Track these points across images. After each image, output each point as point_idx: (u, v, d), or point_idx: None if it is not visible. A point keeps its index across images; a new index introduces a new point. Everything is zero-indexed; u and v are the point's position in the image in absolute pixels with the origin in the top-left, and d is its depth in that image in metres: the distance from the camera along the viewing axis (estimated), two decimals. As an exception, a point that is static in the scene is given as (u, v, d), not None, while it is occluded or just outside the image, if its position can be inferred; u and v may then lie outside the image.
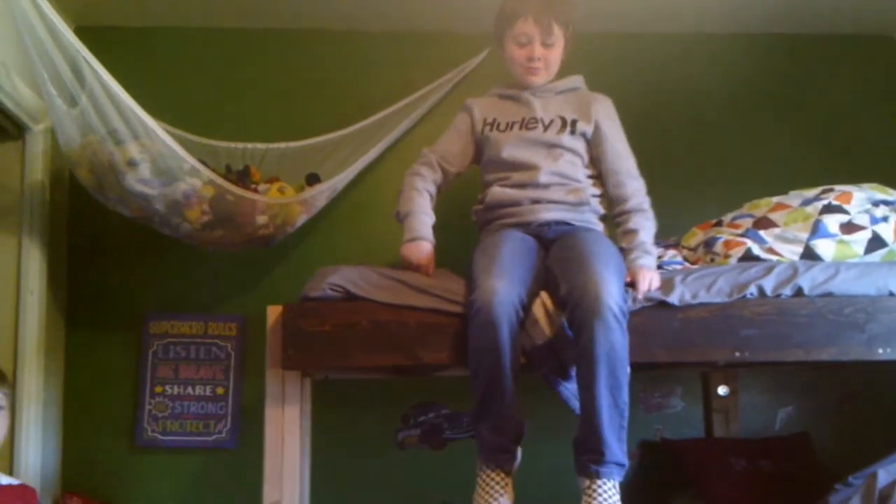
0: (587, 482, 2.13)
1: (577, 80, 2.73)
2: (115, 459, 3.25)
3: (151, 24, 3.41)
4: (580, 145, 2.60)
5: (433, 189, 2.66)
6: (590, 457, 2.14)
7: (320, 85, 3.44)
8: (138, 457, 3.26)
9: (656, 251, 2.51)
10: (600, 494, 2.10)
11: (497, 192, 2.58)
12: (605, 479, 2.12)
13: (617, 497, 2.13)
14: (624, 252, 2.44)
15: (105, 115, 2.49)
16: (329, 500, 2.97)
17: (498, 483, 2.19)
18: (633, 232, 2.49)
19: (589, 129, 2.60)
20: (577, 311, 2.16)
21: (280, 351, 2.38)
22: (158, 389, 3.25)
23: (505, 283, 2.22)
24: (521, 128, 2.62)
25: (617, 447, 2.14)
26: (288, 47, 3.46)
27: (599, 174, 2.62)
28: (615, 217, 2.58)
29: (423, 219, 2.57)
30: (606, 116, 2.64)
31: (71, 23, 3.18)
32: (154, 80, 3.28)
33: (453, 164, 2.69)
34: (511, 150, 2.59)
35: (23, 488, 2.47)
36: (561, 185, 2.55)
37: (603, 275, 2.18)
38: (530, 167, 2.56)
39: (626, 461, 2.17)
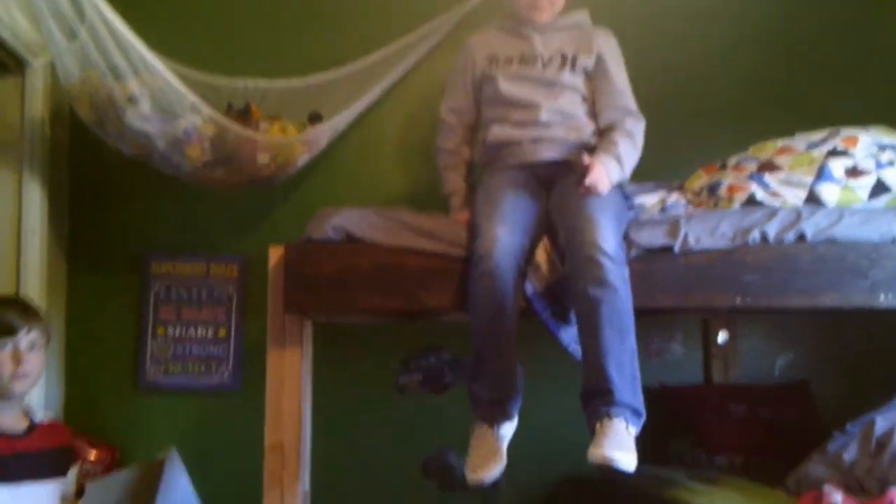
0: (598, 425, 2.05)
1: (581, 16, 2.69)
2: (118, 401, 3.26)
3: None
4: (580, 82, 2.57)
5: (465, 152, 2.72)
6: (599, 401, 2.08)
7: (323, 21, 3.38)
8: (141, 398, 3.27)
9: (625, 172, 2.45)
10: (614, 428, 2.02)
11: (497, 131, 2.56)
12: (615, 417, 2.04)
13: (632, 441, 2.04)
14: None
15: (105, 49, 2.47)
16: (329, 443, 2.99)
17: (491, 439, 2.18)
18: (612, 143, 2.46)
19: (590, 62, 2.57)
20: (574, 258, 2.16)
21: (282, 293, 2.38)
22: (161, 331, 3.26)
23: (507, 231, 2.22)
24: (519, 63, 2.59)
25: (628, 389, 2.09)
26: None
27: (596, 109, 2.59)
28: (601, 135, 2.55)
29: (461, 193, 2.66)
30: (609, 51, 2.61)
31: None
32: (155, 15, 3.22)
33: (470, 113, 2.71)
34: (509, 87, 2.57)
35: (59, 425, 2.48)
36: (561, 124, 2.53)
37: (600, 221, 2.18)
38: (530, 105, 2.54)
39: (642, 408, 2.11)
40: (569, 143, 2.52)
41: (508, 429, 2.24)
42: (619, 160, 2.41)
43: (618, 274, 2.14)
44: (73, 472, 2.40)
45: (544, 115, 2.52)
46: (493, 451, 2.16)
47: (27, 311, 2.37)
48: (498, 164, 2.55)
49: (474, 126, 2.71)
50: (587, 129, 2.54)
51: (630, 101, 2.58)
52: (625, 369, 2.11)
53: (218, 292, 3.28)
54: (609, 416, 2.04)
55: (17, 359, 2.25)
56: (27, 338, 2.30)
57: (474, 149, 2.72)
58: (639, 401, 2.13)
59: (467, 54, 2.70)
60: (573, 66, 2.56)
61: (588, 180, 2.26)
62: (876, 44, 3.48)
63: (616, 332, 2.11)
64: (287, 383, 2.41)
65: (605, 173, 2.32)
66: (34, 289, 2.98)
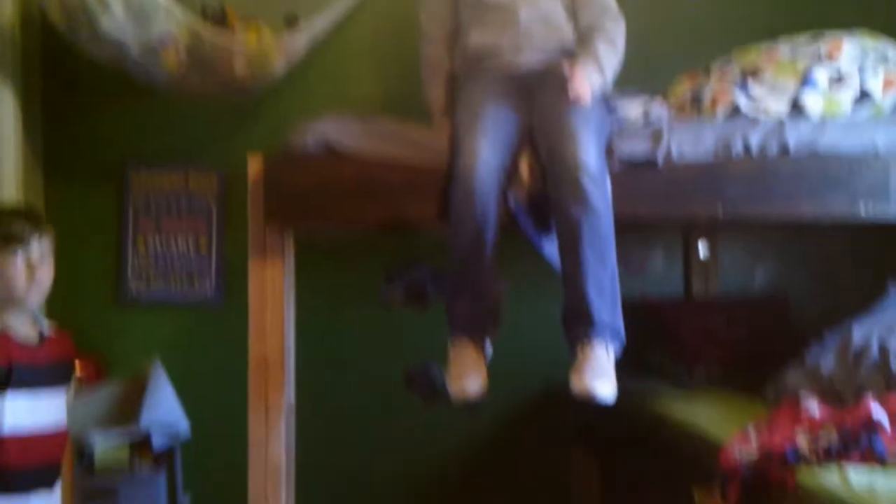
0: (578, 348, 2.07)
1: None
2: (101, 315, 3.27)
3: None
4: None
5: (447, 62, 2.65)
6: (578, 323, 2.09)
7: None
8: (124, 313, 3.28)
9: (607, 78, 2.41)
10: (594, 354, 2.04)
11: (476, 38, 2.52)
12: (598, 340, 2.06)
13: (612, 366, 2.07)
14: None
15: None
16: (313, 356, 3.00)
17: (472, 355, 2.18)
18: (592, 48, 2.42)
19: None
20: (555, 177, 2.15)
21: (262, 204, 2.36)
22: (141, 243, 3.24)
23: (488, 146, 2.20)
24: None
25: (608, 311, 2.10)
26: None
27: (574, 8, 2.53)
28: (580, 37, 2.50)
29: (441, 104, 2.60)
30: None
31: None
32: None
33: (449, 20, 2.64)
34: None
35: (65, 336, 2.47)
36: (541, 26, 2.49)
37: (581, 139, 2.16)
38: (508, 8, 2.49)
39: (621, 329, 2.13)
40: (549, 49, 2.48)
41: (488, 344, 2.25)
42: (599, 66, 2.37)
43: (599, 195, 2.13)
44: (73, 383, 2.41)
45: (523, 17, 2.47)
46: (475, 364, 2.17)
47: (37, 219, 2.31)
48: (478, 73, 2.51)
49: (454, 34, 2.65)
50: (567, 31, 2.50)
51: (611, 2, 2.53)
52: (605, 291, 2.11)
53: (198, 204, 3.25)
54: (589, 340, 2.06)
55: (31, 268, 2.23)
56: (39, 246, 2.27)
57: (455, 58, 2.67)
58: (618, 322, 2.14)
59: None
60: None
61: (572, 93, 2.23)
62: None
63: (596, 254, 2.11)
64: (270, 296, 2.40)
65: (587, 82, 2.28)
66: (10, 201, 2.93)
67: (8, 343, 2.15)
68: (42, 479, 2.21)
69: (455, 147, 2.26)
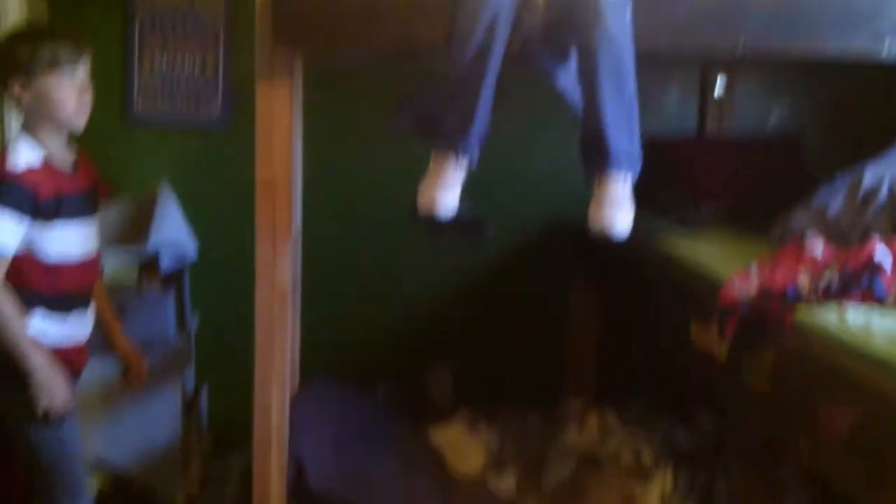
0: (596, 179, 2.07)
1: None
2: (108, 136, 3.25)
3: None
4: None
5: None
6: (595, 153, 2.07)
7: None
8: (131, 134, 3.28)
9: None
10: (612, 186, 2.05)
11: None
12: (615, 171, 2.06)
13: (629, 191, 2.08)
14: None
15: None
16: (321, 184, 3.00)
17: (451, 169, 2.15)
18: None
19: None
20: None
21: (270, 23, 2.29)
22: (147, 64, 3.19)
23: None
24: None
25: (625, 139, 2.08)
26: None
27: None
28: None
29: None
30: None
31: None
32: None
33: None
34: None
35: (89, 162, 2.44)
36: None
37: None
38: None
39: (639, 156, 2.11)
40: None
41: (466, 164, 2.19)
42: None
43: (618, 19, 2.05)
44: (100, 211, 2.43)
45: None
46: (453, 181, 2.15)
47: (82, 42, 2.25)
48: None
49: None
50: None
51: None
52: (622, 120, 2.08)
53: (204, 23, 3.17)
54: (607, 171, 2.06)
55: (81, 90, 2.19)
56: (84, 69, 2.22)
57: None
58: (636, 149, 2.11)
59: None
60: None
61: None
62: None
63: (615, 82, 2.06)
64: (277, 118, 2.36)
65: None
66: (13, 19, 2.86)
67: (54, 173, 2.16)
68: (83, 299, 2.30)
69: None
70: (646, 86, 3.17)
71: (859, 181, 2.49)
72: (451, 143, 2.16)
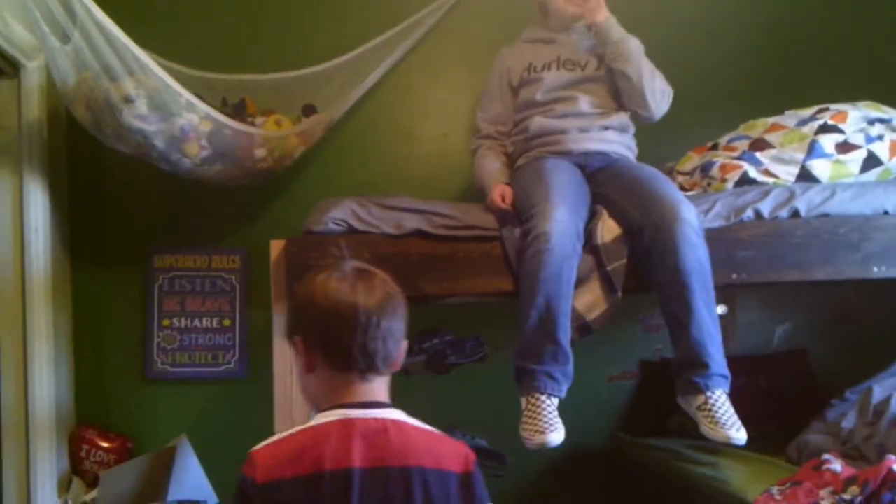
0: (700, 399, 2.17)
1: None
2: (127, 392, 3.30)
3: (142, -46, 3.34)
4: (612, 78, 2.66)
5: (502, 157, 2.76)
6: (694, 371, 2.19)
7: (314, 13, 3.37)
8: (149, 388, 3.31)
9: (633, 50, 2.56)
10: (718, 406, 2.16)
11: (541, 121, 2.63)
12: (714, 390, 2.17)
13: (730, 406, 2.17)
14: None
15: (98, 51, 2.46)
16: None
17: (550, 409, 2.22)
18: None
19: None
20: (659, 234, 2.21)
21: (284, 284, 2.40)
22: (166, 322, 3.29)
23: (566, 211, 2.27)
24: (558, 68, 2.69)
25: (720, 359, 2.20)
26: (280, -24, 3.41)
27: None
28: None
29: (495, 175, 2.66)
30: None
31: (59, -44, 3.13)
32: (146, 14, 3.23)
33: (506, 122, 2.78)
34: (549, 90, 2.66)
35: None
36: (601, 114, 2.62)
37: (674, 195, 2.27)
38: (570, 99, 2.62)
39: (729, 374, 2.22)
40: (613, 130, 2.60)
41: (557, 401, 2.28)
42: (629, 39, 2.59)
43: (702, 245, 2.22)
44: None
45: (584, 107, 2.61)
46: (554, 417, 2.22)
47: None
48: (537, 150, 2.63)
49: (509, 132, 2.78)
50: (614, 115, 2.64)
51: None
52: (715, 338, 2.21)
53: (221, 283, 3.31)
54: (709, 389, 2.18)
55: None
56: None
57: (511, 142, 2.78)
58: (726, 366, 2.23)
59: (501, 63, 2.82)
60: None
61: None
62: (865, 23, 3.49)
63: (705, 303, 2.20)
64: (294, 373, 2.43)
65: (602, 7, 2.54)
66: (39, 287, 3.00)
67: None
68: None
69: (527, 213, 2.33)
70: (651, 311, 3.34)
71: (869, 397, 2.52)
72: (543, 383, 2.24)
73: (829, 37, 3.47)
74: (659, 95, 2.58)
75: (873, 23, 3.49)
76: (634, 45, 2.59)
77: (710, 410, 2.15)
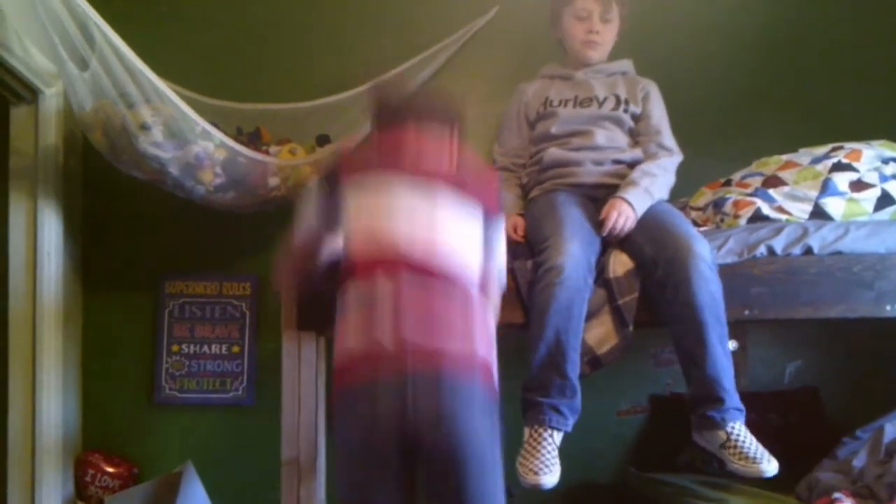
0: (721, 435, 2.17)
1: (626, 64, 2.84)
2: (135, 417, 3.31)
3: (161, -16, 3.39)
4: (630, 122, 2.69)
5: (516, 189, 2.76)
6: (709, 407, 2.19)
7: (329, 45, 3.42)
8: (157, 414, 3.31)
9: (654, 197, 2.49)
10: (742, 440, 2.16)
11: (556, 152, 2.64)
12: (732, 423, 2.17)
13: (753, 437, 2.17)
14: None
15: (116, 78, 2.50)
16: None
17: (550, 446, 2.21)
18: (638, 173, 2.52)
19: (638, 110, 2.69)
20: (673, 268, 2.21)
21: (294, 312, 2.40)
22: (175, 348, 3.30)
23: (578, 245, 2.27)
24: (575, 106, 2.71)
25: (734, 393, 2.20)
26: (296, 7, 3.43)
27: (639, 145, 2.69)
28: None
29: (508, 207, 2.65)
30: (654, 98, 2.73)
31: (78, -17, 3.17)
32: (165, 41, 3.27)
33: (522, 155, 2.79)
34: (565, 124, 2.67)
35: None
36: (616, 149, 2.63)
37: (687, 230, 2.29)
38: (586, 133, 2.64)
39: (743, 407, 2.21)
40: (619, 171, 2.60)
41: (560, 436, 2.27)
42: (638, 183, 2.47)
43: (715, 280, 2.22)
44: None
45: (600, 140, 2.62)
46: (552, 457, 2.20)
47: None
48: (550, 183, 2.63)
49: (525, 165, 2.80)
50: (627, 151, 2.64)
51: (667, 139, 2.68)
52: (728, 373, 2.21)
53: (231, 310, 3.32)
54: (727, 424, 2.18)
55: None
56: None
57: (525, 173, 2.79)
58: (739, 400, 2.23)
59: (519, 98, 2.83)
60: (626, 108, 2.68)
61: (605, 230, 2.38)
62: (878, 55, 3.50)
63: (718, 338, 2.20)
64: (302, 401, 2.43)
65: (623, 207, 2.39)
66: (50, 311, 3.03)
67: None
68: None
69: (539, 246, 2.33)
70: (661, 346, 3.33)
71: (881, 436, 2.51)
72: (547, 417, 2.23)
73: (849, 73, 3.48)
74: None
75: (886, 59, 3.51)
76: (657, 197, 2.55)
77: (735, 446, 2.15)
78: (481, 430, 1.80)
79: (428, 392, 1.76)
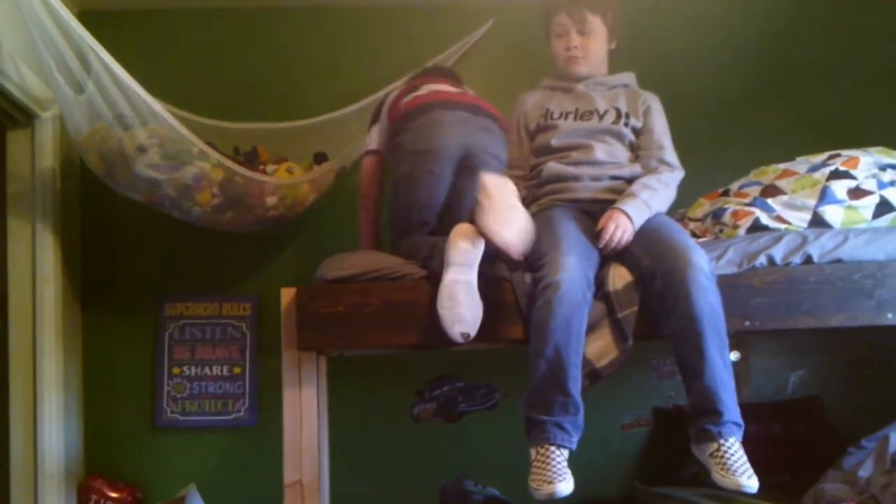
0: (713, 446, 2.14)
1: (628, 77, 2.83)
2: (137, 441, 3.30)
3: (155, 6, 3.40)
4: (631, 136, 2.68)
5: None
6: (707, 419, 2.15)
7: (325, 62, 3.43)
8: (159, 437, 3.30)
9: (653, 211, 2.48)
10: (731, 453, 2.12)
11: (555, 166, 2.63)
12: (727, 437, 2.13)
13: (743, 454, 2.14)
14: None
15: (112, 100, 2.51)
16: (348, 477, 3.02)
17: (559, 459, 2.18)
18: (639, 184, 2.52)
19: (639, 124, 2.69)
20: (671, 280, 2.20)
21: (295, 332, 2.39)
22: (176, 371, 3.30)
23: (575, 261, 2.25)
24: (575, 119, 2.70)
25: (733, 406, 2.17)
26: (292, 25, 3.45)
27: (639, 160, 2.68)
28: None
29: None
30: (656, 112, 2.72)
31: (74, 7, 3.19)
32: (160, 63, 3.29)
33: (522, 167, 2.77)
34: (565, 137, 2.66)
35: None
36: (615, 164, 2.62)
37: (685, 241, 2.28)
38: (585, 147, 2.63)
39: (742, 422, 2.19)
40: (617, 187, 2.59)
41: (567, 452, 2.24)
42: (636, 196, 2.47)
43: (714, 291, 2.21)
44: None
45: (599, 155, 2.62)
46: (563, 467, 2.17)
47: None
48: (549, 198, 2.63)
49: (525, 177, 2.78)
50: (627, 167, 2.63)
51: (668, 154, 2.66)
52: (728, 386, 2.18)
53: (231, 331, 3.31)
54: (722, 437, 2.14)
55: None
56: None
57: (525, 186, 2.77)
58: (739, 414, 2.19)
59: (520, 108, 2.82)
60: (626, 121, 2.68)
61: (601, 242, 2.37)
62: (873, 63, 3.51)
63: (717, 350, 2.17)
64: (303, 421, 2.41)
65: (621, 219, 2.39)
66: (50, 335, 3.02)
67: None
68: None
69: (537, 262, 2.32)
70: (663, 358, 3.32)
71: (886, 445, 2.50)
72: (553, 434, 2.20)
73: (846, 80, 3.50)
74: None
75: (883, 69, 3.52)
76: (656, 210, 2.54)
77: (721, 458, 2.12)
78: None
79: None
